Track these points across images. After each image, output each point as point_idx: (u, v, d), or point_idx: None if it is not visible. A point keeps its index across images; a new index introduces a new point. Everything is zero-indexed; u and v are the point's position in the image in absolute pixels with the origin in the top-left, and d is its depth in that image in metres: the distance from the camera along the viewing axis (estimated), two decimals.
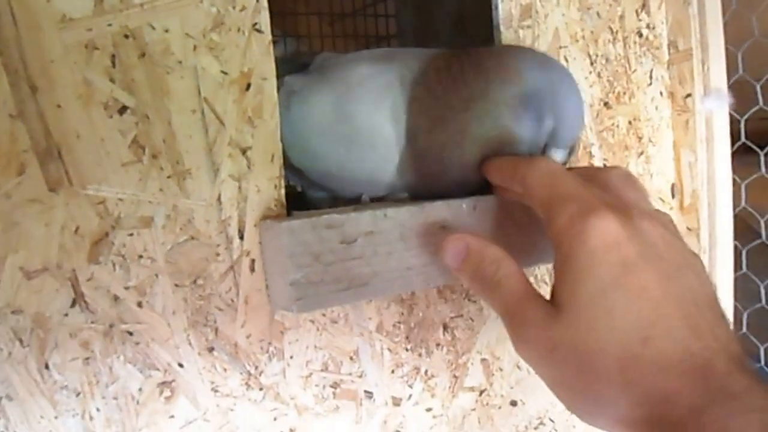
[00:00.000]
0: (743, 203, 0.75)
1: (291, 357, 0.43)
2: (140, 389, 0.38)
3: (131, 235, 0.37)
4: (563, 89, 0.43)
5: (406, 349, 0.47)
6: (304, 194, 0.53)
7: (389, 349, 0.46)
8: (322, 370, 0.44)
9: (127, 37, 0.37)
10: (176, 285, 0.39)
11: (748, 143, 0.75)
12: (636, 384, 0.32)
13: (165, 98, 0.38)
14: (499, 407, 0.52)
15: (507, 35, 0.52)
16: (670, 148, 0.61)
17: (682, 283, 0.34)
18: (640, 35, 0.58)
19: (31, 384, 0.35)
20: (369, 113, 0.44)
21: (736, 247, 0.65)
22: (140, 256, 0.38)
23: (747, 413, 0.30)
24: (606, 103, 0.56)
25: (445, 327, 0.49)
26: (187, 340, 0.39)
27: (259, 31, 0.40)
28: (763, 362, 0.83)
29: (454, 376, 0.49)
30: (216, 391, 0.40)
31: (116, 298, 0.37)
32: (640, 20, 0.58)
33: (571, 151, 0.45)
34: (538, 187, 0.38)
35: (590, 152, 0.55)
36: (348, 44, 0.88)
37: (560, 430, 0.55)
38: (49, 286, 0.36)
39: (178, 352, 0.39)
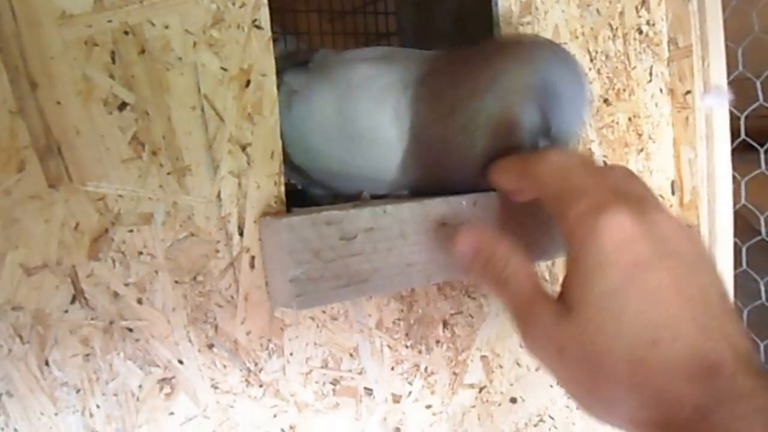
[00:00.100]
0: (743, 200, 0.75)
1: (291, 354, 0.43)
2: (140, 386, 0.38)
3: (131, 231, 0.37)
4: (572, 84, 0.43)
5: (406, 346, 0.47)
6: (304, 191, 0.53)
7: (389, 346, 0.46)
8: (321, 367, 0.44)
9: (126, 33, 0.37)
10: (176, 282, 0.39)
11: (748, 140, 0.75)
12: (644, 386, 0.32)
13: (165, 95, 0.38)
14: (499, 404, 0.52)
15: (507, 32, 0.52)
16: (669, 145, 0.61)
17: (695, 281, 0.34)
18: (640, 32, 0.58)
19: (31, 380, 0.35)
20: (371, 113, 0.44)
21: (735, 245, 0.65)
22: (140, 253, 0.38)
23: (753, 414, 0.29)
24: (606, 100, 0.56)
25: (445, 324, 0.49)
26: (187, 337, 0.39)
27: (258, 27, 0.40)
28: (763, 359, 0.83)
29: (454, 373, 0.49)
30: (216, 387, 0.40)
31: (116, 294, 0.37)
32: (639, 17, 0.58)
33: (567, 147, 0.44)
34: (549, 180, 0.37)
35: (590, 149, 0.55)
36: (348, 41, 0.88)
37: (560, 427, 0.55)
38: (49, 282, 0.36)
39: (178, 349, 0.39)
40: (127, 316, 0.38)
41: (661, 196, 0.61)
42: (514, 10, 0.51)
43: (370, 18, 0.87)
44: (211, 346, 0.40)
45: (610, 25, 0.56)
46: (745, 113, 0.74)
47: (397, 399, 0.47)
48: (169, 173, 0.38)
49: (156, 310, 0.38)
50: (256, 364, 0.41)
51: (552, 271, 0.53)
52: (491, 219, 0.44)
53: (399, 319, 0.47)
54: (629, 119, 0.58)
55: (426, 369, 0.48)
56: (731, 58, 0.63)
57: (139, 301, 0.38)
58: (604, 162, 0.56)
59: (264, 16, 0.40)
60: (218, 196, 0.40)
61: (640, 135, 0.59)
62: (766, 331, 0.81)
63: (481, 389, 0.51)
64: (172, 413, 0.39)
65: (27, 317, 0.35)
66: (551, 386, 0.54)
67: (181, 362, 0.39)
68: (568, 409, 0.56)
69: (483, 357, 0.51)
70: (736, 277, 0.65)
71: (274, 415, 0.42)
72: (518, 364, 0.53)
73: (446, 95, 0.43)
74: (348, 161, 0.46)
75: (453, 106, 0.42)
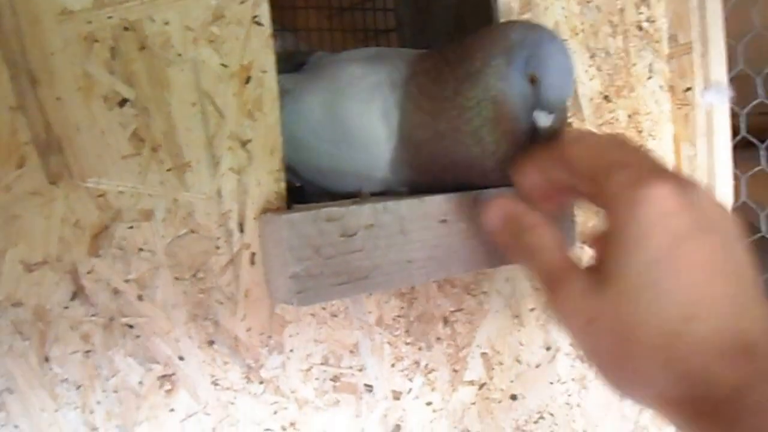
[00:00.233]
0: (743, 197, 0.75)
1: (291, 350, 0.43)
2: (141, 382, 0.38)
3: (131, 228, 0.37)
4: (546, 44, 0.42)
5: (406, 343, 0.47)
6: (304, 187, 0.53)
7: (389, 343, 0.46)
8: (322, 364, 0.44)
9: (126, 29, 0.37)
10: (176, 278, 0.39)
11: (749, 137, 0.75)
12: (676, 362, 0.32)
13: (165, 91, 0.38)
14: (499, 401, 0.52)
15: None
16: (670, 142, 0.61)
17: (733, 259, 0.33)
18: (640, 28, 0.58)
19: (32, 377, 0.35)
20: (360, 112, 0.45)
21: None
22: (140, 249, 0.38)
23: None
24: (606, 97, 0.56)
25: (445, 321, 0.49)
26: (187, 334, 0.39)
27: (259, 24, 0.40)
28: None
29: (454, 370, 0.49)
30: (216, 384, 0.40)
31: (116, 291, 0.37)
32: (640, 13, 0.58)
33: (561, 119, 0.44)
34: (585, 158, 0.36)
35: None
36: (346, 38, 0.88)
37: (560, 424, 0.55)
38: (50, 278, 0.36)
39: (178, 346, 0.39)
40: (128, 313, 0.38)
41: None
42: (514, 7, 0.51)
43: (369, 15, 0.87)
44: (211, 343, 0.40)
45: (610, 22, 0.56)
46: (746, 110, 0.74)
47: (397, 396, 0.47)
48: (169, 170, 0.38)
49: (156, 306, 0.38)
50: (256, 361, 0.41)
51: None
52: None
53: (399, 316, 0.47)
54: (629, 116, 0.58)
55: (426, 366, 0.48)
56: (732, 55, 0.63)
57: (140, 298, 0.38)
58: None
59: (264, 13, 0.40)
60: (218, 192, 0.40)
61: (640, 132, 0.59)
62: None
63: (481, 386, 0.51)
64: (172, 410, 0.39)
65: (27, 313, 0.35)
66: (551, 383, 0.55)
67: (181, 359, 0.39)
68: (568, 406, 0.56)
69: (483, 354, 0.51)
70: None
71: (275, 412, 0.42)
72: (518, 361, 0.53)
73: (432, 96, 0.43)
74: (337, 160, 0.46)
75: (437, 110, 0.42)
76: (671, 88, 0.61)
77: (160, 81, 0.38)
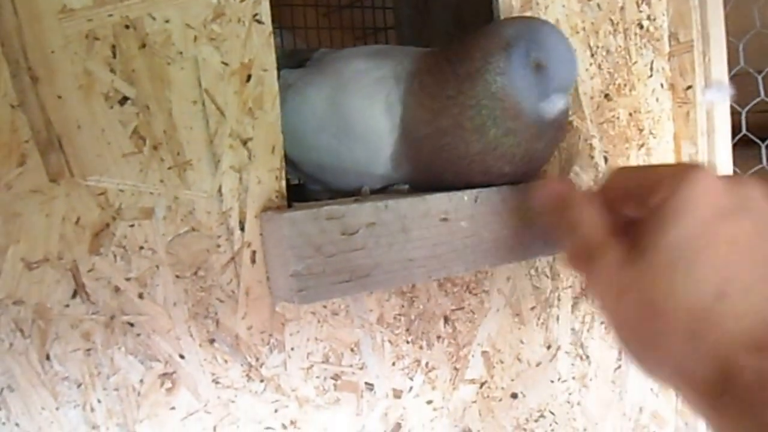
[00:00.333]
0: None
1: (292, 349, 0.43)
2: (141, 381, 0.38)
3: (132, 226, 0.37)
4: (543, 29, 0.43)
5: (407, 342, 0.47)
6: (305, 186, 0.53)
7: (390, 342, 0.46)
8: (322, 362, 0.44)
9: (127, 27, 0.37)
10: (177, 276, 0.39)
11: (749, 135, 0.75)
12: (703, 340, 0.32)
13: (166, 89, 0.38)
14: (500, 400, 0.52)
15: None
16: (670, 140, 0.61)
17: None
18: (641, 27, 0.58)
19: (33, 375, 0.35)
20: (363, 106, 0.45)
21: None
22: (141, 248, 0.38)
23: None
24: (606, 95, 0.56)
25: (446, 319, 0.49)
26: (188, 332, 0.39)
27: (259, 22, 0.40)
28: None
29: (455, 369, 0.49)
30: (217, 382, 0.40)
31: (117, 289, 0.37)
32: (640, 12, 0.58)
33: (569, 105, 0.45)
34: (633, 178, 0.38)
35: (591, 144, 0.55)
36: (345, 36, 0.88)
37: (560, 422, 0.55)
38: (50, 277, 0.36)
39: (179, 344, 0.39)
40: (128, 311, 0.38)
41: None
42: (515, 5, 0.51)
43: (368, 12, 0.87)
44: (212, 341, 0.40)
45: (611, 20, 0.56)
46: (747, 108, 0.74)
47: (398, 394, 0.47)
48: (170, 168, 0.38)
49: (157, 304, 0.38)
50: (257, 359, 0.41)
51: (553, 266, 0.53)
52: (493, 214, 0.44)
53: (400, 315, 0.47)
54: (630, 114, 0.58)
55: (427, 364, 0.48)
56: (732, 53, 0.63)
57: (140, 296, 0.38)
58: (605, 157, 0.56)
59: (265, 11, 0.40)
60: (219, 190, 0.39)
61: (641, 130, 0.59)
62: None
63: (482, 384, 0.51)
64: (173, 408, 0.39)
65: (28, 311, 0.35)
66: (552, 382, 0.55)
67: (182, 357, 0.39)
68: (569, 405, 0.56)
69: (484, 352, 0.51)
70: None
71: (275, 410, 0.42)
72: (519, 360, 0.53)
73: (435, 93, 0.43)
74: (339, 154, 0.46)
75: (442, 105, 0.43)
76: (672, 87, 0.61)
77: (160, 79, 0.38)
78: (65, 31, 0.35)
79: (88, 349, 0.37)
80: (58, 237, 0.36)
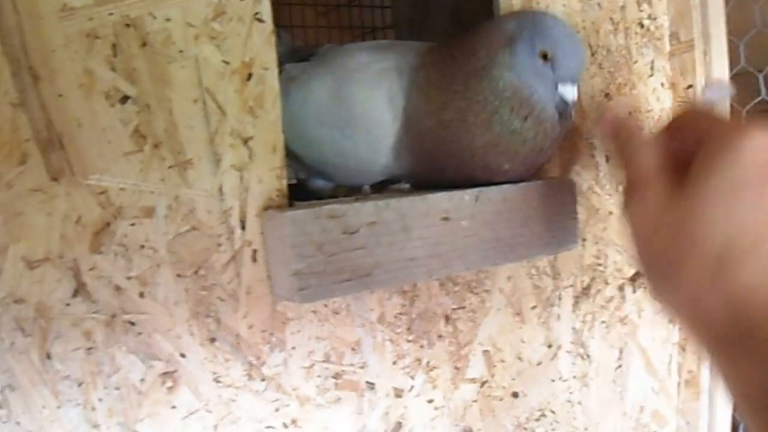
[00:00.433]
0: None
1: (293, 348, 0.43)
2: (142, 379, 0.38)
3: (133, 225, 0.37)
4: (546, 20, 0.44)
5: (408, 341, 0.47)
6: (306, 184, 0.53)
7: (391, 341, 0.46)
8: (323, 361, 0.44)
9: (128, 26, 0.37)
10: (178, 275, 0.39)
11: None
12: (731, 281, 0.32)
13: (166, 88, 0.38)
14: (501, 399, 0.52)
15: None
16: None
17: None
18: (642, 26, 0.58)
19: (34, 374, 0.35)
20: (365, 97, 0.46)
21: None
22: (142, 246, 0.38)
23: None
24: (607, 94, 0.56)
25: (447, 318, 0.49)
26: (189, 331, 0.39)
27: (260, 20, 0.40)
28: None
29: (456, 368, 0.49)
30: (218, 381, 0.40)
31: (118, 288, 0.37)
32: (641, 11, 0.58)
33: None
34: (698, 122, 0.38)
35: (592, 144, 0.55)
36: (343, 35, 0.88)
37: (561, 421, 0.55)
38: (51, 275, 0.36)
39: (180, 343, 0.39)
40: (129, 310, 0.38)
41: None
42: (516, 4, 0.51)
43: (366, 11, 0.87)
44: (213, 340, 0.40)
45: (612, 20, 0.56)
46: (747, 107, 0.74)
47: (398, 393, 0.47)
48: (170, 167, 0.38)
49: (158, 303, 0.38)
50: (258, 358, 0.41)
51: (554, 266, 0.53)
52: (494, 213, 0.44)
53: (401, 314, 0.47)
54: (630, 113, 0.58)
55: (428, 363, 0.48)
56: (733, 53, 0.63)
57: (141, 295, 0.38)
58: (606, 157, 0.56)
59: (266, 9, 0.40)
60: (220, 189, 0.39)
61: (641, 129, 0.58)
62: None
63: (482, 384, 0.51)
64: (174, 407, 0.39)
65: (29, 310, 0.35)
66: (553, 381, 0.54)
67: (183, 356, 0.39)
68: (570, 404, 0.56)
69: (485, 352, 0.51)
70: None
71: (276, 409, 0.42)
72: (520, 359, 0.52)
73: (441, 87, 0.44)
74: (341, 145, 0.47)
75: (448, 99, 0.43)
76: (672, 86, 0.60)
77: (161, 78, 0.38)
78: (66, 30, 0.35)
79: (89, 348, 0.37)
80: (59, 236, 0.36)
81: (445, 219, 0.42)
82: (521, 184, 0.45)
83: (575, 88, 0.44)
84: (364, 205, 0.40)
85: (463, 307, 0.49)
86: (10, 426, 0.35)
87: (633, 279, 0.58)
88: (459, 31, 0.65)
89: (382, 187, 0.48)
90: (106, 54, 0.36)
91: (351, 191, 0.49)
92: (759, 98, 0.75)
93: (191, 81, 0.38)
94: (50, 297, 0.36)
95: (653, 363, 0.60)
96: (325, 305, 0.44)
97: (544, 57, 0.43)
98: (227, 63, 0.39)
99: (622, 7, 0.57)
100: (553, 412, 0.55)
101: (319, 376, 0.44)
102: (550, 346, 0.54)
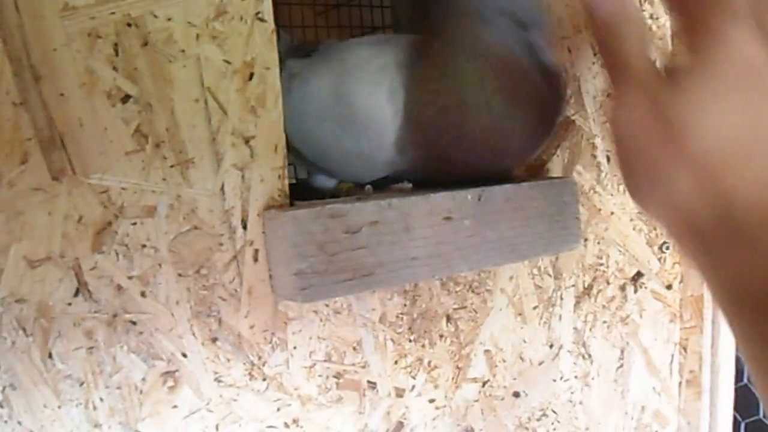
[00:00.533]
0: None
1: (294, 347, 0.43)
2: (144, 379, 0.38)
3: (134, 224, 0.37)
4: None
5: (410, 340, 0.47)
6: (308, 182, 0.53)
7: (392, 340, 0.46)
8: (325, 361, 0.44)
9: (129, 25, 0.37)
10: (180, 275, 0.39)
11: None
12: (718, 180, 0.30)
13: (168, 87, 0.38)
14: (502, 398, 0.52)
15: None
16: None
17: None
18: None
19: (35, 373, 0.35)
20: (366, 92, 0.45)
21: None
22: (143, 246, 0.38)
23: None
24: (609, 94, 0.56)
25: (449, 318, 0.49)
26: (190, 330, 0.39)
27: (261, 20, 0.40)
28: None
29: (457, 367, 0.49)
30: (219, 381, 0.40)
31: (120, 287, 0.37)
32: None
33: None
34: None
35: (593, 144, 0.55)
36: (342, 35, 0.87)
37: (562, 421, 0.55)
38: (53, 275, 0.36)
39: (181, 342, 0.39)
40: (131, 309, 0.38)
41: None
42: None
43: (365, 11, 0.87)
44: (214, 340, 0.40)
45: None
46: None
47: (400, 393, 0.47)
48: (172, 166, 0.38)
49: (159, 303, 0.38)
50: (259, 358, 0.41)
51: (555, 266, 0.53)
52: (497, 212, 0.44)
53: (402, 314, 0.47)
54: None
55: (429, 363, 0.48)
56: None
57: (143, 294, 0.38)
58: (608, 157, 0.56)
59: (267, 8, 0.40)
60: (222, 189, 0.39)
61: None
62: None
63: (484, 383, 0.51)
64: (175, 406, 0.39)
65: (30, 310, 0.35)
66: (554, 381, 0.54)
67: (184, 355, 0.39)
68: (571, 404, 0.56)
69: (486, 351, 0.51)
70: None
71: (278, 409, 0.42)
72: (521, 359, 0.52)
73: (435, 75, 0.44)
74: (343, 141, 0.47)
75: (444, 86, 0.44)
76: None
77: (162, 77, 0.38)
78: (67, 29, 0.35)
79: (91, 348, 0.37)
80: (60, 235, 0.36)
81: (448, 218, 0.42)
82: (524, 184, 0.45)
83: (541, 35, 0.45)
84: (366, 204, 0.40)
85: (465, 307, 0.49)
86: (12, 425, 0.35)
87: (634, 279, 0.58)
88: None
89: (384, 185, 0.48)
90: (107, 53, 0.36)
91: (354, 187, 0.49)
92: None
93: (193, 80, 0.38)
94: (52, 296, 0.36)
95: (655, 363, 0.60)
96: (327, 305, 0.44)
97: (519, 22, 0.43)
98: (229, 62, 0.39)
99: None
100: (554, 411, 0.55)
101: (320, 376, 0.44)
102: (551, 345, 0.54)
